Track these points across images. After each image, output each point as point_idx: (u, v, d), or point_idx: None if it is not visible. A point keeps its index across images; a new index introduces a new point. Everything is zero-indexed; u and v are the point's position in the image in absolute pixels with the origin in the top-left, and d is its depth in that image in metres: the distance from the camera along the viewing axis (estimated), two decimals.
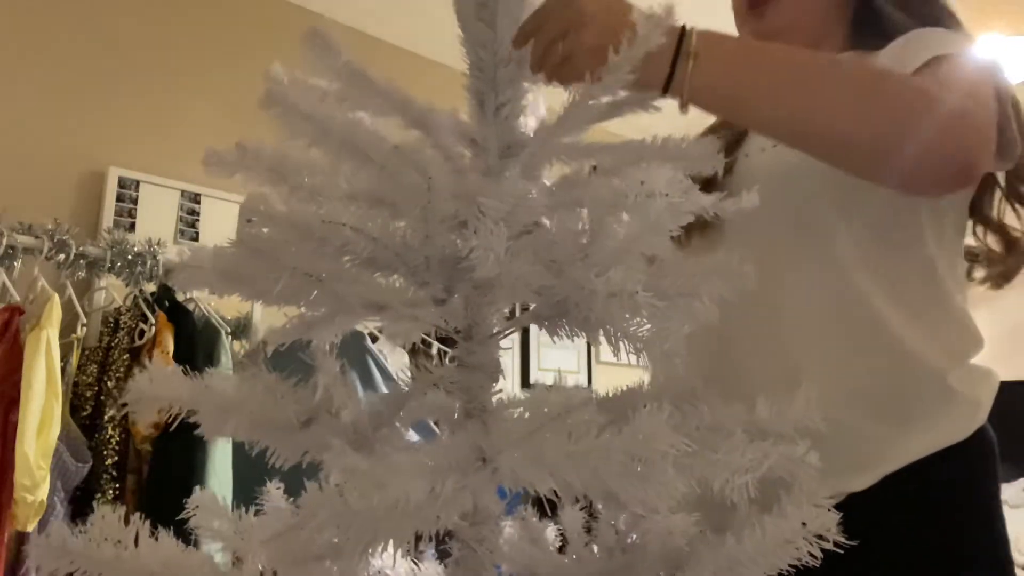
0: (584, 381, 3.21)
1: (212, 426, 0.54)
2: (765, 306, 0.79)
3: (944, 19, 0.88)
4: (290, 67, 0.61)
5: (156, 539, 0.53)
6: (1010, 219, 0.88)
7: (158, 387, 0.52)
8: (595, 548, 0.67)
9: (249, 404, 0.54)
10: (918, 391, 0.80)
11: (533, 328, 0.63)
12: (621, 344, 0.55)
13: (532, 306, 0.61)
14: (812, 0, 0.93)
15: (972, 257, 0.90)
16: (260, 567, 0.56)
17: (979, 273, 0.90)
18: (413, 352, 2.34)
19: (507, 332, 0.64)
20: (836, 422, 0.61)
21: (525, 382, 3.02)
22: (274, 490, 0.62)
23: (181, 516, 0.62)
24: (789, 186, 0.83)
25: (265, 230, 0.54)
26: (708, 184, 0.67)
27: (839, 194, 0.81)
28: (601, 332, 0.57)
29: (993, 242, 0.88)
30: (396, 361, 2.24)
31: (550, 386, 0.56)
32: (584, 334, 0.60)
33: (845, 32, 0.94)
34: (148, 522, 0.53)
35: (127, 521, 0.52)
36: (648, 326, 0.54)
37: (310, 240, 0.54)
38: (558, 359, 3.13)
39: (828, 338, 0.81)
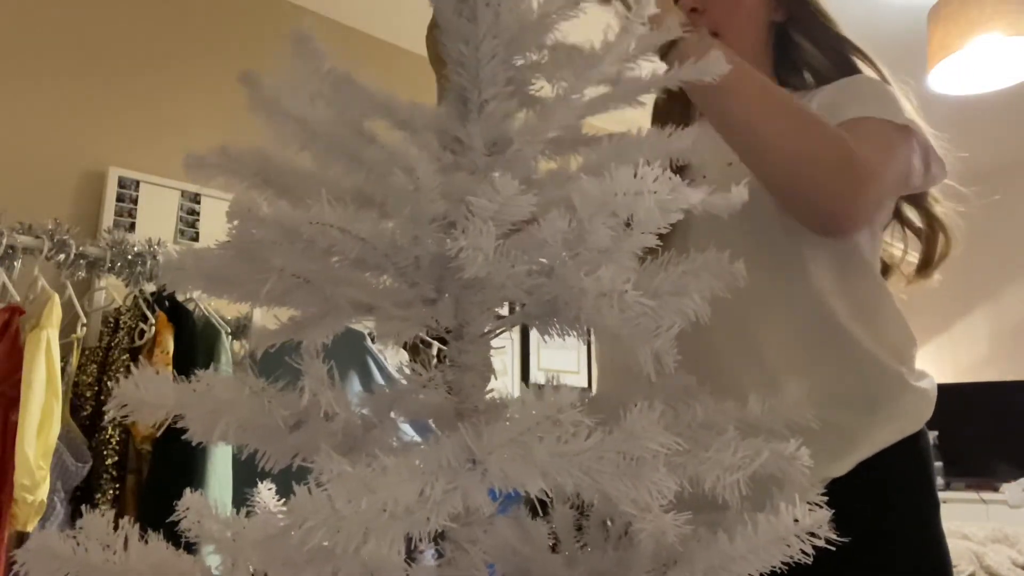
0: (584, 381, 3.19)
1: (201, 430, 0.53)
2: (740, 318, 0.90)
3: (851, 52, 1.05)
4: (283, 68, 0.61)
5: (146, 542, 0.52)
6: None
7: (144, 392, 0.52)
8: (587, 547, 0.66)
9: (237, 408, 0.53)
10: (881, 385, 0.91)
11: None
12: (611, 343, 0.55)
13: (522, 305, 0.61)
14: (748, 39, 1.08)
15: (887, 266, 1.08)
16: (252, 569, 0.56)
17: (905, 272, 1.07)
18: (414, 351, 2.33)
19: (498, 332, 0.64)
20: (816, 419, 0.67)
21: (525, 382, 3.01)
22: (266, 491, 0.62)
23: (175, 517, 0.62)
24: (753, 203, 0.87)
25: (253, 231, 0.54)
26: None
27: None
28: (591, 331, 0.56)
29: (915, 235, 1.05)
30: (397, 360, 2.24)
31: (541, 386, 0.55)
32: (575, 333, 0.59)
33: (770, 67, 1.11)
34: (139, 525, 0.53)
35: (117, 525, 0.52)
36: (638, 325, 0.54)
37: (298, 241, 0.54)
38: (558, 359, 3.12)
39: (800, 345, 0.92)
